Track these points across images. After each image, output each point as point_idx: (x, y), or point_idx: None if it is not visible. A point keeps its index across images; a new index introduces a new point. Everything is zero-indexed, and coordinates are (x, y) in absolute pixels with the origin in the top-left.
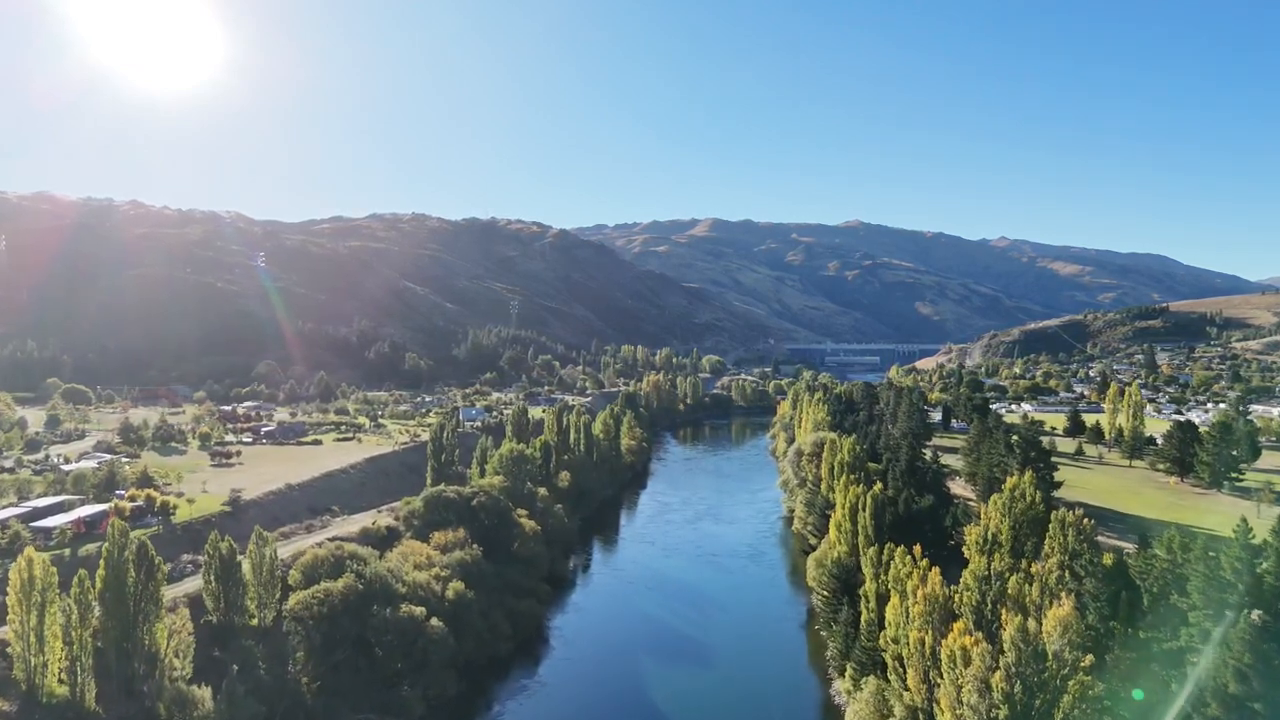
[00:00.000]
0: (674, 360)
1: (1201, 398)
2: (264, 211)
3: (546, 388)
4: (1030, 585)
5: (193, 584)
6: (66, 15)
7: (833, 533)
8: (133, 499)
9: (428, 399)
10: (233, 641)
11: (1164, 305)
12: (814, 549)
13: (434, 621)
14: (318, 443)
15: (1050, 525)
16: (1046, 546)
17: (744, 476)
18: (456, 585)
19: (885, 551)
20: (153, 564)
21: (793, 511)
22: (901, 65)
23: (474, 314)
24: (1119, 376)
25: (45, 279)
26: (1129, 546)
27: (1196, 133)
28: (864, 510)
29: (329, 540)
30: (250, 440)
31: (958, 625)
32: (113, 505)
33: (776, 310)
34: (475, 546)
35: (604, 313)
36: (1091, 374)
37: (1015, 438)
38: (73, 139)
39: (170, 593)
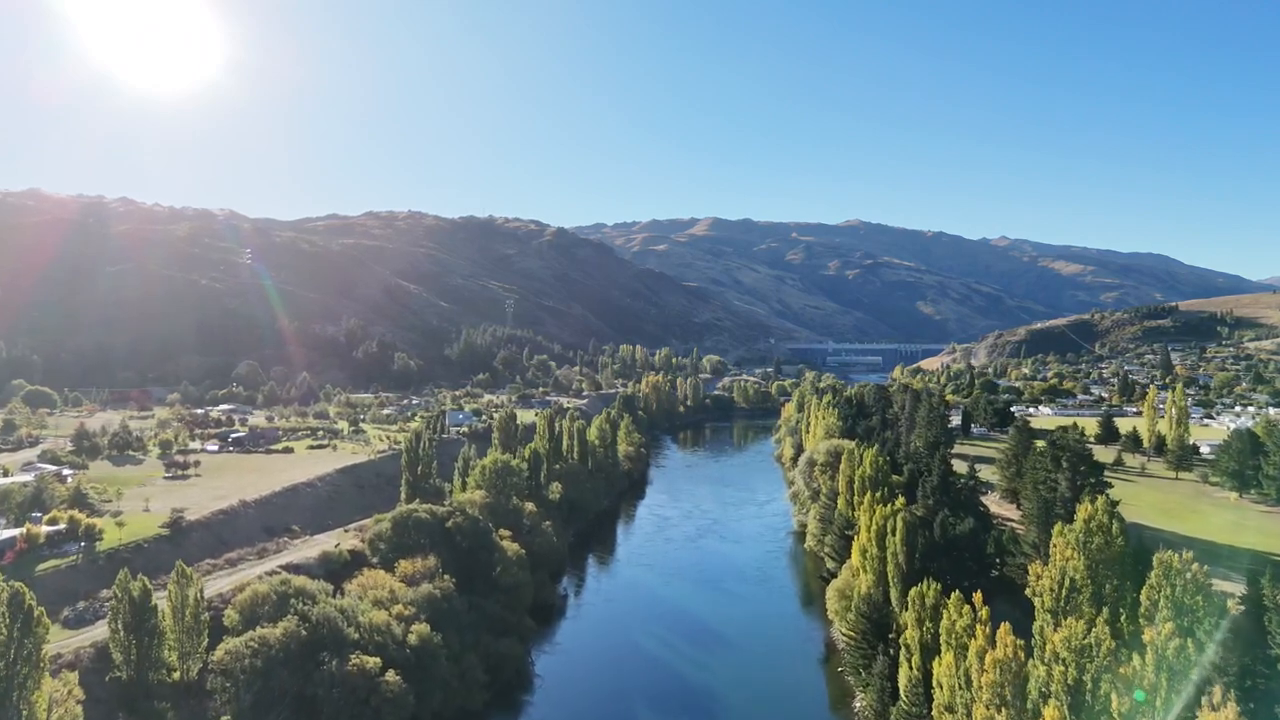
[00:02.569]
0: (674, 360)
1: (1227, 400)
2: (261, 210)
3: (541, 389)
4: (1142, 659)
5: (106, 628)
6: (66, 15)
7: (855, 557)
8: (53, 522)
9: (415, 401)
10: (143, 704)
11: (1173, 305)
12: (832, 574)
13: (389, 676)
14: (289, 450)
15: (1153, 573)
16: (1145, 598)
17: (748, 485)
18: (421, 629)
19: (929, 590)
20: (31, 616)
21: (804, 526)
22: (901, 65)
23: (469, 313)
24: (1133, 377)
25: (20, 276)
26: (1224, 586)
27: (1196, 132)
28: (894, 534)
29: (278, 570)
30: (215, 448)
31: (1050, 712)
32: (24, 531)
33: (777, 310)
34: (447, 577)
35: (602, 312)
36: (1106, 375)
37: (1063, 451)
38: (70, 138)
39: (75, 641)
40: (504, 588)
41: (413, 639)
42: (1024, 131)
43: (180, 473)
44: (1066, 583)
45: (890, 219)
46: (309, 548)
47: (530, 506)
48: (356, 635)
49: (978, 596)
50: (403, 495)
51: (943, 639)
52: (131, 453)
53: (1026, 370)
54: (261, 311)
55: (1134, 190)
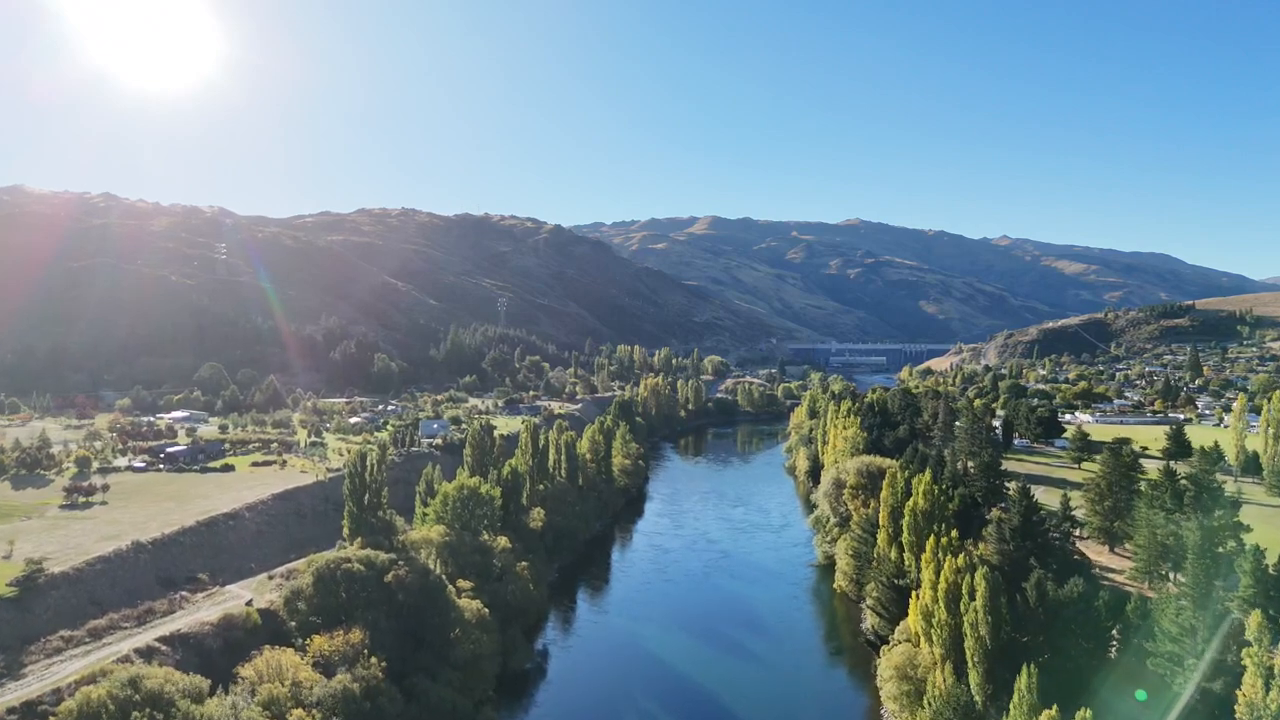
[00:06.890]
0: (674, 361)
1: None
2: (254, 207)
3: (532, 392)
4: None
5: None
6: (64, 14)
7: (915, 621)
8: None
9: (390, 407)
10: None
11: (1189, 303)
12: (879, 636)
13: None
14: (229, 469)
15: None
16: None
17: (759, 504)
18: None
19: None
20: None
21: (830, 559)
22: (901, 65)
23: (461, 312)
24: (1156, 378)
25: None
26: None
27: (1197, 132)
28: (971, 598)
29: (156, 645)
30: (143, 465)
31: None
32: None
33: (778, 309)
34: (374, 660)
35: (600, 311)
36: (1132, 376)
37: (1186, 484)
38: (67, 136)
39: None
40: (459, 662)
41: None
42: (1024, 131)
43: (82, 500)
44: None
45: (891, 218)
46: (212, 606)
47: (503, 542)
48: None
49: None
50: (345, 531)
51: None
52: (42, 471)
53: (1043, 371)
54: (235, 310)
55: (1135, 190)
